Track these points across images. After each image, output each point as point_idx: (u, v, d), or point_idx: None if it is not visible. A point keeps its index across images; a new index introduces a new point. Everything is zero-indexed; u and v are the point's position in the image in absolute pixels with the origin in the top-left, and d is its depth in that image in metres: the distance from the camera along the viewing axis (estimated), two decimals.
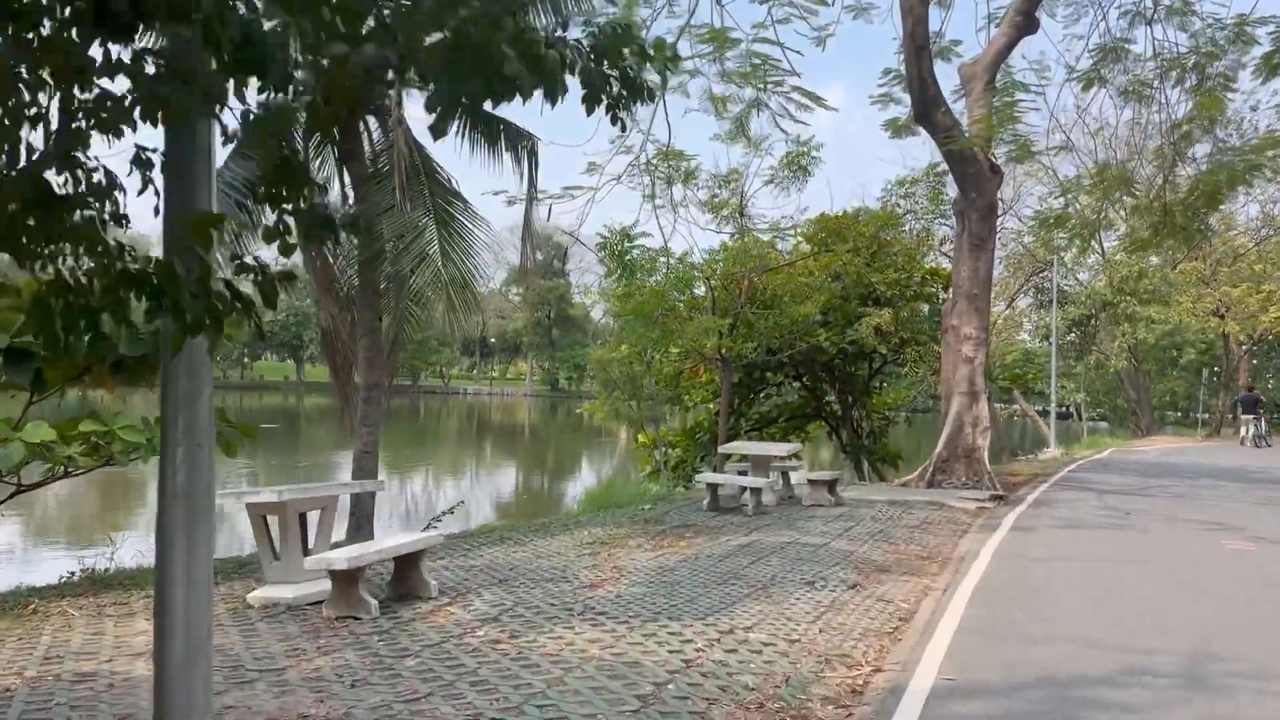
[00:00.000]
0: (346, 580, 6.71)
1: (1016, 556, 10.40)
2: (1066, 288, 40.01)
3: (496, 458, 41.37)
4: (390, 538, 7.54)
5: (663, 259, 17.34)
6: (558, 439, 52.31)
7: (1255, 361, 44.39)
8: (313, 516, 7.76)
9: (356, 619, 6.74)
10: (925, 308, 20.75)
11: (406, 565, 7.33)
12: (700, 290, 20.33)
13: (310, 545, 7.63)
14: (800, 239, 20.71)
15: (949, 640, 6.79)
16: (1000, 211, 35.99)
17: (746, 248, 18.24)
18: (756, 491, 13.44)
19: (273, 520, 7.34)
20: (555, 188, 17.25)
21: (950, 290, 18.12)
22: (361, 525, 10.18)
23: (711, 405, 23.38)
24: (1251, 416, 31.88)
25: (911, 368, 19.96)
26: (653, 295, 17.04)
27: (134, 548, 9.95)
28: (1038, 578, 9.27)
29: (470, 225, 10.56)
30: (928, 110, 17.06)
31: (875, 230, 19.83)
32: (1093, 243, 21.23)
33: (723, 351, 18.58)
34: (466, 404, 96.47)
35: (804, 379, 23.27)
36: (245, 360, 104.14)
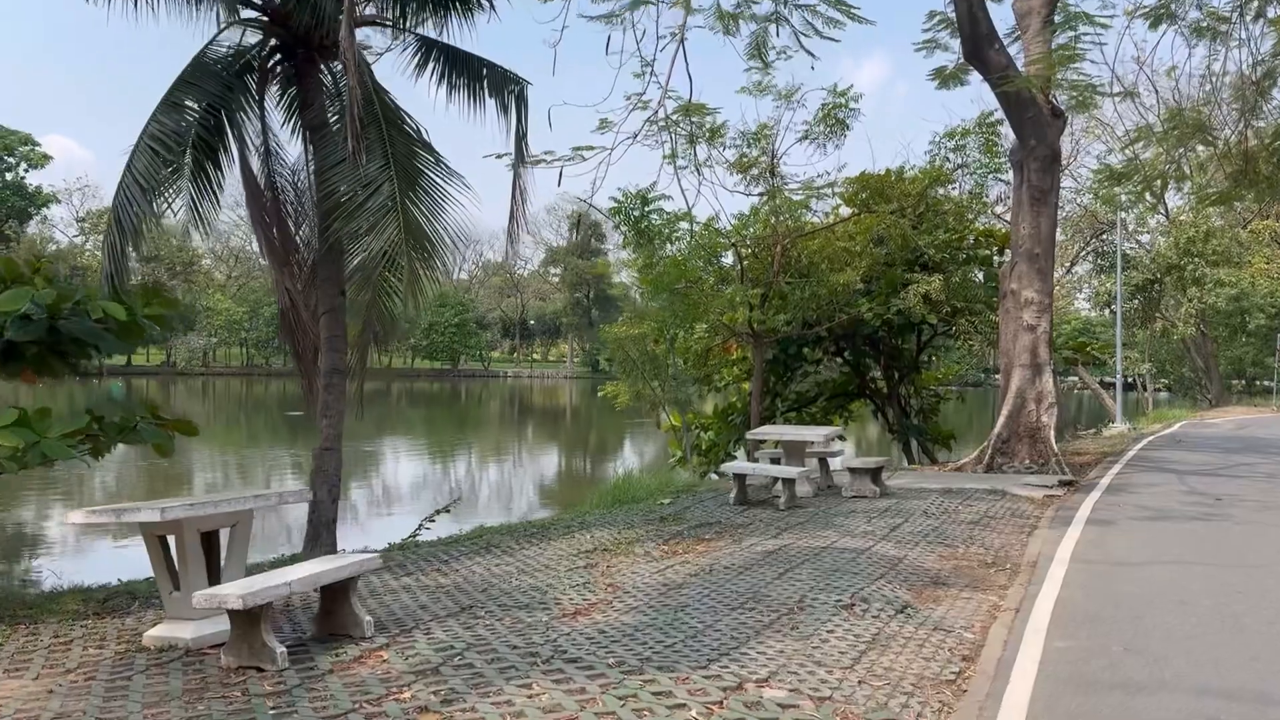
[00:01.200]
0: (246, 621, 5.24)
1: (1100, 561, 8.66)
2: (1129, 251, 37.58)
3: (517, 446, 39.95)
4: (309, 563, 6.06)
5: (684, 224, 15.64)
6: (587, 424, 50.64)
7: None
8: (234, 534, 6.31)
9: (260, 669, 5.26)
10: (980, 273, 18.82)
11: (334, 597, 5.84)
12: (728, 259, 18.63)
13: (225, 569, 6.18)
14: (838, 201, 18.90)
15: (1030, 691, 5.15)
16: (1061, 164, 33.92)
17: (778, 210, 16.48)
18: (789, 483, 11.80)
19: (173, 541, 5.91)
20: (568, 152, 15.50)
21: (1008, 252, 16.21)
22: (320, 535, 8.76)
23: (745, 385, 21.73)
24: None
25: (964, 340, 18.06)
26: (673, 265, 15.38)
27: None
28: (1130, 590, 7.54)
29: (440, 181, 9.00)
30: (979, 48, 15.15)
31: (922, 188, 17.93)
32: (1160, 200, 19.13)
33: (754, 326, 16.89)
34: (504, 387, 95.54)
35: (845, 354, 21.48)
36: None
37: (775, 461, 13.42)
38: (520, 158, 10.38)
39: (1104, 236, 32.62)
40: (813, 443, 12.80)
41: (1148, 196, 19.29)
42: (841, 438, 15.88)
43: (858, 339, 19.69)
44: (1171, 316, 37.72)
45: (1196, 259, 32.86)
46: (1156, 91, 18.14)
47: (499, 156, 16.18)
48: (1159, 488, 13.74)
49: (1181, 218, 35.47)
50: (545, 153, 16.14)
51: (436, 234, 8.63)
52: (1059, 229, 38.43)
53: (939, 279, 16.95)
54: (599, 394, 20.90)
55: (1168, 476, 15.05)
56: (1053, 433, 15.11)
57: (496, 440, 41.74)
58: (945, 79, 19.68)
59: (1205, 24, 17.65)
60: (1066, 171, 31.58)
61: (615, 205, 15.19)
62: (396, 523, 13.51)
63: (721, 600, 6.96)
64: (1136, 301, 36.61)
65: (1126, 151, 18.88)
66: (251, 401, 65.81)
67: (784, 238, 17.03)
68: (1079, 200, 32.16)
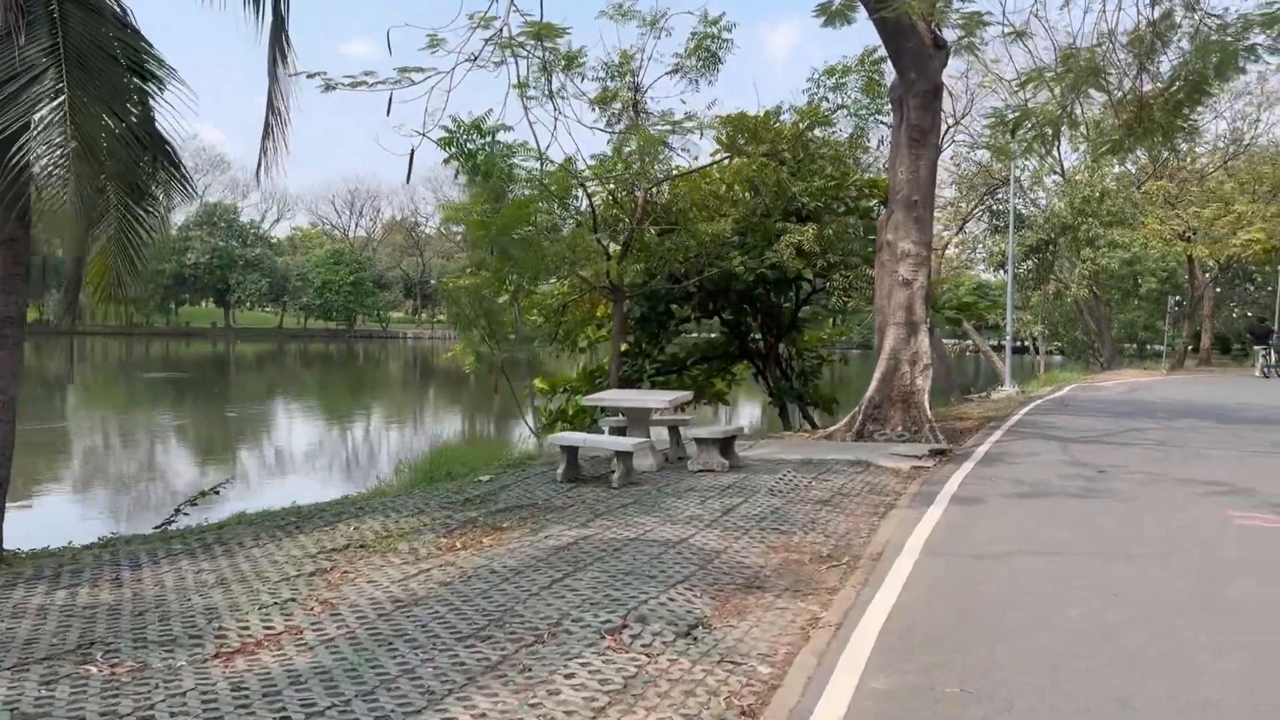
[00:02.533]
0: None
1: (956, 552, 7.24)
2: (1024, 211, 37.06)
3: (369, 413, 37.21)
4: None
5: (531, 161, 13.73)
6: (462, 387, 47.72)
7: (1219, 290, 41.95)
8: None
9: None
10: (861, 225, 17.41)
11: None
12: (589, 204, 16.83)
13: None
14: (717, 147, 17.21)
15: None
16: (949, 122, 32.82)
17: (642, 150, 14.72)
18: (624, 456, 10.17)
19: None
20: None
21: (887, 201, 14.79)
22: None
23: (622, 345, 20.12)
24: (1263, 348, 32.74)
25: (839, 296, 16.67)
26: (515, 209, 13.50)
27: None
28: (986, 593, 6.11)
29: (143, 81, 6.96)
30: None
31: (799, 131, 16.38)
32: (1053, 153, 18.02)
33: (612, 279, 15.18)
34: (402, 349, 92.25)
35: (723, 312, 20.00)
36: (172, 306, 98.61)
37: (623, 431, 11.81)
38: (278, 58, 8.35)
39: (999, 194, 31.80)
40: (657, 409, 11.17)
41: (1039, 146, 17.99)
42: (690, 405, 14.33)
43: (732, 295, 18.18)
44: (1065, 279, 37.44)
45: (1091, 219, 32.37)
46: (1051, 35, 16.84)
47: (310, 76, 14.07)
48: (1039, 457, 12.56)
49: (1077, 177, 35.00)
50: (366, 74, 14.09)
51: (130, 145, 6.61)
52: (953, 187, 37.83)
53: (812, 229, 15.47)
54: (449, 354, 18.90)
55: (1050, 444, 13.94)
56: (927, 397, 13.83)
57: (350, 406, 39.14)
58: (831, 15, 17.97)
59: None
60: (961, 126, 30.72)
61: (446, 136, 13.21)
62: (168, 506, 11.46)
63: (455, 625, 5.25)
64: (1031, 263, 36.18)
65: (1019, 96, 17.57)
66: (149, 362, 61.57)
67: (645, 180, 15.31)
68: (973, 156, 31.39)
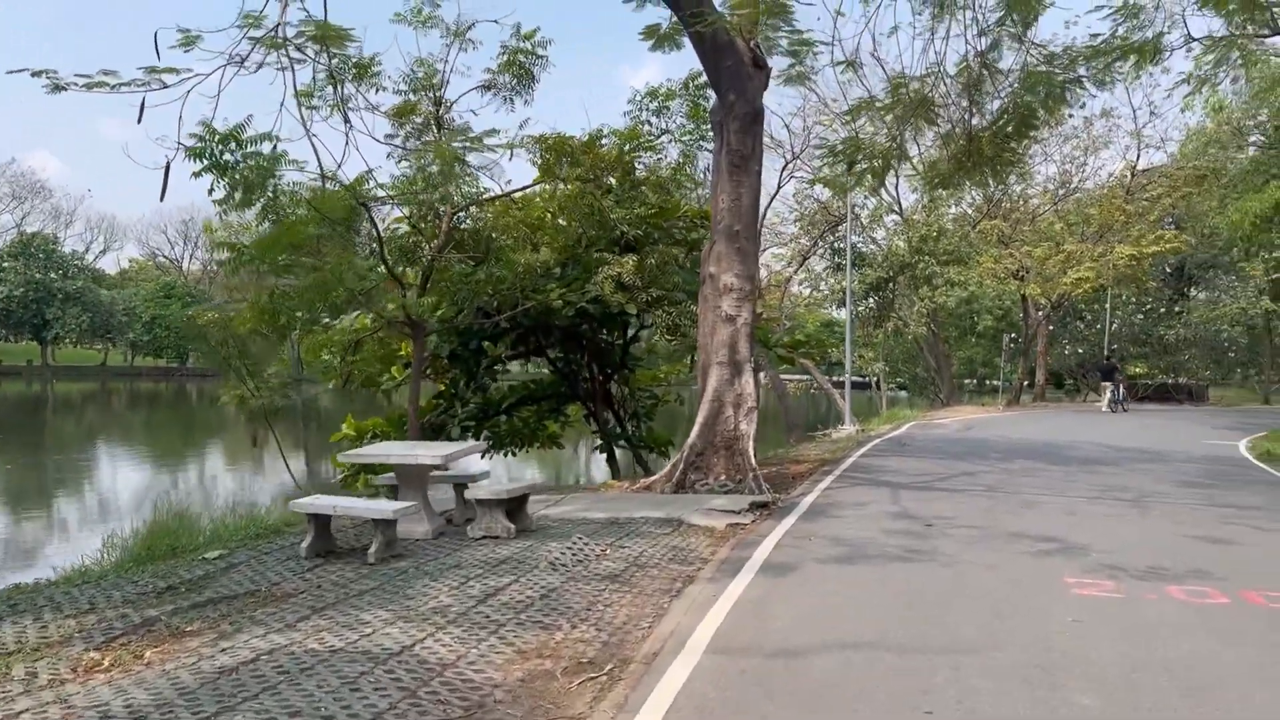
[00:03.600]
0: None
1: (750, 648, 5.87)
2: (864, 249, 37.34)
3: (127, 461, 32.58)
4: None
5: (307, 174, 11.84)
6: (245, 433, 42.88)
7: (1052, 328, 43.38)
8: None
9: None
10: (689, 258, 16.27)
11: None
12: (401, 228, 15.07)
13: None
14: (533, 167, 15.77)
15: None
16: (786, 158, 32.62)
17: (443, 171, 13.09)
18: (385, 526, 8.46)
19: None
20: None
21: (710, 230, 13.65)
22: None
23: (440, 384, 18.31)
24: (1110, 383, 34.04)
25: (662, 334, 15.44)
26: (280, 232, 11.62)
27: None
28: (771, 716, 4.72)
29: None
30: None
31: (619, 155, 15.13)
32: (885, 187, 17.49)
33: (410, 313, 13.45)
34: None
35: (550, 349, 18.51)
36: None
37: (396, 491, 10.09)
38: None
39: (839, 231, 31.74)
40: (432, 464, 9.49)
41: (870, 179, 17.38)
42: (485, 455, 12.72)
43: (555, 332, 16.73)
44: (905, 316, 37.82)
45: (928, 257, 32.67)
46: (883, 66, 16.34)
47: (36, 74, 11.92)
48: (867, 508, 11.51)
49: (915, 216, 35.46)
50: (105, 73, 12.00)
51: None
52: (795, 224, 37.78)
53: (632, 260, 14.22)
54: (222, 400, 16.52)
55: (880, 492, 12.98)
56: (752, 443, 12.67)
57: (119, 455, 35.03)
58: (660, 39, 16.98)
59: None
60: (800, 162, 30.50)
61: (196, 147, 11.26)
62: None
63: None
64: (872, 300, 36.34)
65: (851, 128, 16.91)
66: None
67: (449, 205, 13.70)
68: (813, 193, 31.28)
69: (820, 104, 26.80)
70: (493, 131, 14.39)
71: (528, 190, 14.97)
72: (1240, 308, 45.45)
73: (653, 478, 13.25)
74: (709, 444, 12.81)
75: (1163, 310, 48.32)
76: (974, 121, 16.68)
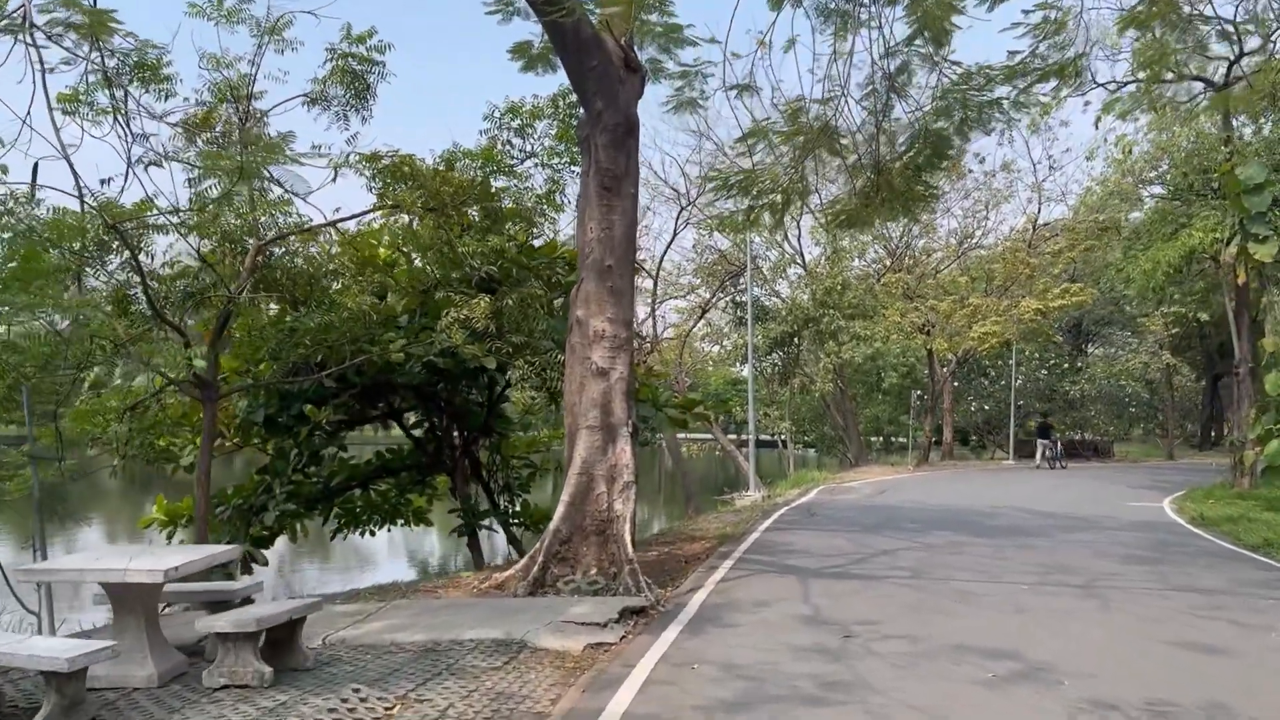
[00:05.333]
0: None
1: None
2: (766, 304, 35.64)
3: None
4: None
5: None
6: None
7: (957, 384, 42.32)
8: None
9: None
10: (558, 302, 13.85)
11: None
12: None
13: None
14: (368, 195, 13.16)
15: None
16: (682, 202, 30.60)
17: (242, 184, 10.43)
18: (62, 682, 5.65)
19: None
20: None
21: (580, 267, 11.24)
22: None
23: (264, 451, 15.35)
24: (1046, 441, 35.25)
25: (524, 391, 12.85)
26: (23, 264, 8.75)
27: None
28: None
29: None
30: None
31: (484, 184, 12.62)
32: (784, 226, 15.50)
33: (197, 371, 10.65)
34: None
35: (403, 413, 15.81)
36: None
37: (219, 606, 7.33)
38: None
39: (740, 284, 29.95)
40: (152, 581, 6.65)
41: (769, 217, 15.36)
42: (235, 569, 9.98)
43: (402, 391, 14.07)
44: (811, 372, 36.11)
45: (833, 310, 31.09)
46: (780, 90, 14.43)
47: None
48: (770, 610, 9.10)
49: (818, 269, 34.00)
50: None
51: None
52: (692, 274, 35.87)
53: (485, 301, 11.72)
54: None
55: (787, 584, 10.61)
56: (629, 526, 10.17)
57: None
58: (532, 60, 14.79)
59: (833, 4, 14.18)
60: (696, 208, 28.46)
61: None
62: None
63: None
64: (776, 356, 34.56)
65: (748, 159, 14.91)
66: None
67: (254, 233, 11.02)
68: (713, 243, 29.50)
69: (718, 150, 25.17)
70: (316, 149, 11.85)
71: (365, 221, 12.38)
72: (1143, 362, 45.35)
73: (507, 572, 10.58)
74: (576, 529, 10.27)
75: (1065, 366, 48.00)
76: (883, 151, 14.88)
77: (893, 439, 54.46)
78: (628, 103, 10.68)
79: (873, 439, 52.16)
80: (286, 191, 10.88)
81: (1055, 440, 36.02)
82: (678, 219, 29.19)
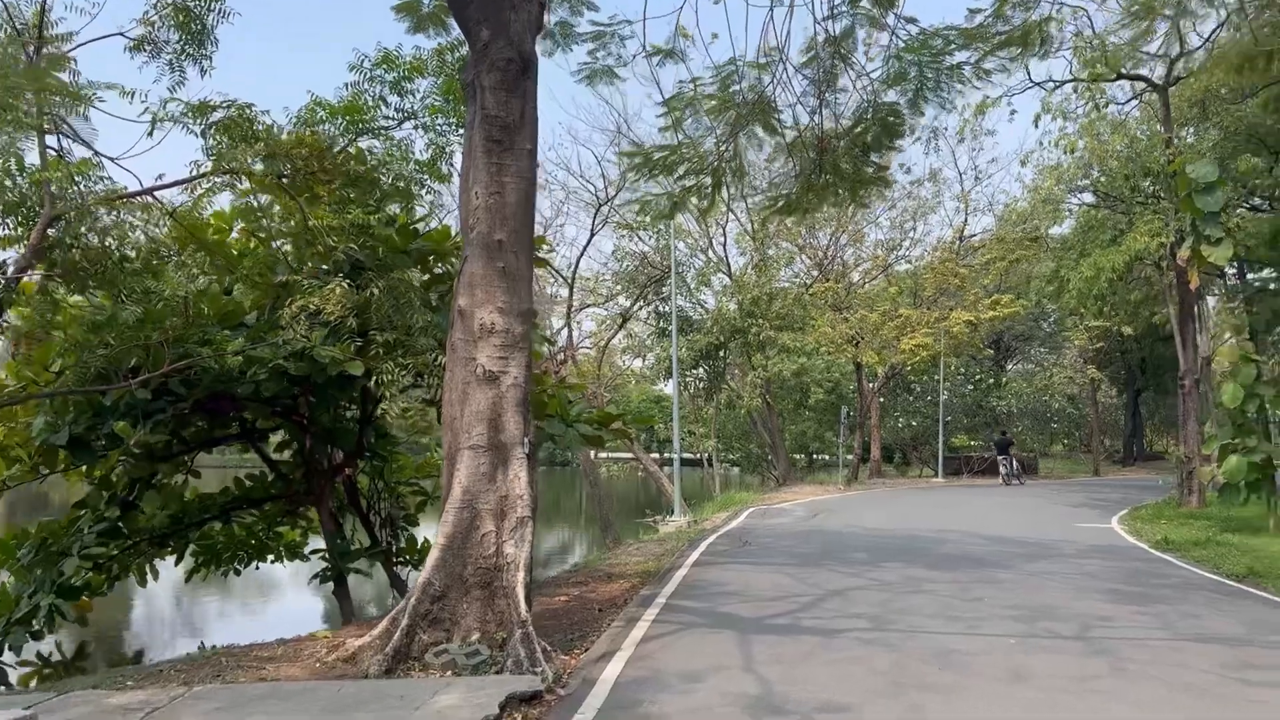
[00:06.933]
0: None
1: None
2: (691, 315, 33.67)
3: None
4: None
5: None
6: None
7: (883, 400, 40.96)
8: None
9: None
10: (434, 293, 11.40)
11: None
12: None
13: None
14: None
15: None
16: (600, 196, 28.11)
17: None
18: None
19: None
20: None
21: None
22: None
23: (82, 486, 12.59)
24: (1004, 457, 35.44)
25: (389, 396, 10.29)
26: None
27: None
28: None
29: None
30: None
31: (332, 144, 10.14)
32: (714, 204, 13.42)
33: None
34: None
35: (258, 433, 13.23)
36: None
37: None
38: None
39: (663, 290, 27.89)
40: None
41: (698, 201, 13.27)
42: None
43: (252, 405, 11.50)
44: (737, 387, 34.21)
45: (761, 321, 29.25)
46: (709, 54, 12.39)
47: None
48: (703, 689, 6.89)
49: (745, 277, 32.17)
50: None
51: None
52: (610, 279, 33.62)
53: (340, 288, 9.29)
54: None
55: (723, 644, 8.41)
56: (524, 574, 7.83)
57: None
58: (422, 20, 12.46)
59: None
60: (613, 209, 26.27)
61: None
62: None
63: None
64: (702, 370, 32.59)
65: (670, 135, 12.83)
66: None
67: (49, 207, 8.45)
68: (635, 246, 27.36)
69: (638, 147, 23.04)
70: (128, 94, 9.36)
71: (199, 194, 9.75)
72: (1068, 376, 44.76)
73: (362, 639, 8.13)
74: (454, 580, 7.90)
75: (991, 381, 47.23)
76: (827, 128, 12.92)
77: (816, 455, 53.02)
78: (521, 34, 8.42)
79: (797, 456, 50.57)
80: (96, 153, 8.35)
81: (1014, 456, 36.18)
82: (595, 219, 27.01)
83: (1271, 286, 23.04)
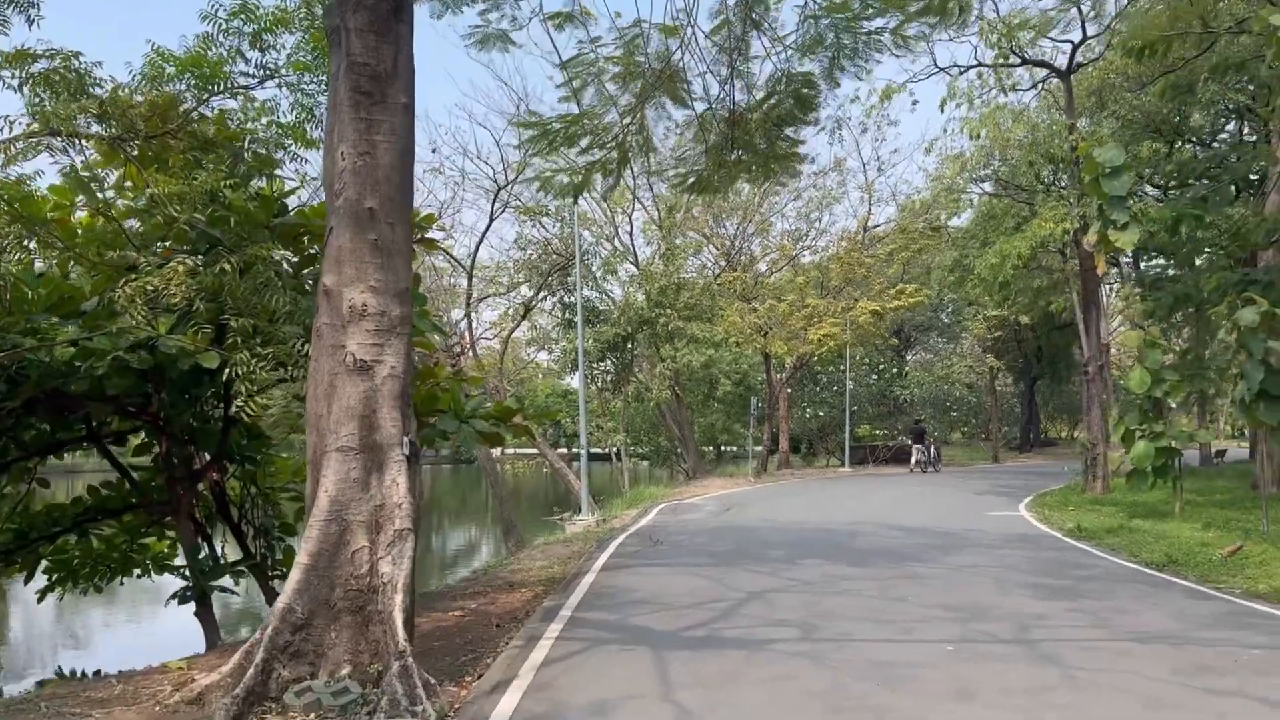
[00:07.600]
0: None
1: None
2: (598, 305, 32.70)
3: None
4: None
5: None
6: None
7: (790, 390, 40.73)
8: None
9: None
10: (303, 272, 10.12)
11: None
12: None
13: None
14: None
15: None
16: (497, 181, 26.54)
17: None
18: None
19: None
20: None
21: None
22: None
23: None
24: (920, 445, 35.76)
25: (246, 392, 9.04)
26: None
27: None
28: None
29: None
30: None
31: (220, 122, 8.74)
32: (619, 180, 12.49)
33: None
34: None
35: (109, 436, 11.71)
36: None
37: None
38: None
39: (569, 279, 26.84)
40: None
41: (599, 178, 12.29)
42: None
43: (95, 404, 10.04)
44: (645, 379, 33.41)
45: (669, 311, 28.48)
46: (614, 20, 11.36)
47: None
48: None
49: (652, 267, 31.35)
50: None
51: None
52: (512, 268, 32.32)
53: (185, 265, 8.00)
54: None
55: (637, 665, 7.47)
56: (403, 597, 6.72)
57: None
58: None
59: None
60: (512, 194, 24.98)
61: None
62: None
63: None
64: (609, 361, 31.65)
65: (569, 104, 11.80)
66: None
67: None
68: (538, 232, 26.19)
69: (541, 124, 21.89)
70: None
71: (5, 150, 8.30)
72: (968, 365, 45.38)
73: (213, 674, 6.90)
74: (320, 605, 6.75)
75: (894, 371, 47.62)
76: (739, 99, 12.09)
77: (724, 448, 52.73)
78: None
79: (706, 449, 50.15)
80: None
81: (929, 444, 36.81)
82: (494, 203, 25.73)
83: (1170, 273, 23.29)
